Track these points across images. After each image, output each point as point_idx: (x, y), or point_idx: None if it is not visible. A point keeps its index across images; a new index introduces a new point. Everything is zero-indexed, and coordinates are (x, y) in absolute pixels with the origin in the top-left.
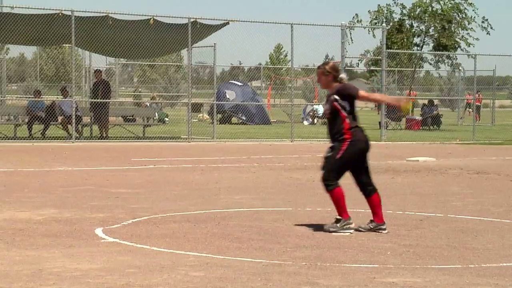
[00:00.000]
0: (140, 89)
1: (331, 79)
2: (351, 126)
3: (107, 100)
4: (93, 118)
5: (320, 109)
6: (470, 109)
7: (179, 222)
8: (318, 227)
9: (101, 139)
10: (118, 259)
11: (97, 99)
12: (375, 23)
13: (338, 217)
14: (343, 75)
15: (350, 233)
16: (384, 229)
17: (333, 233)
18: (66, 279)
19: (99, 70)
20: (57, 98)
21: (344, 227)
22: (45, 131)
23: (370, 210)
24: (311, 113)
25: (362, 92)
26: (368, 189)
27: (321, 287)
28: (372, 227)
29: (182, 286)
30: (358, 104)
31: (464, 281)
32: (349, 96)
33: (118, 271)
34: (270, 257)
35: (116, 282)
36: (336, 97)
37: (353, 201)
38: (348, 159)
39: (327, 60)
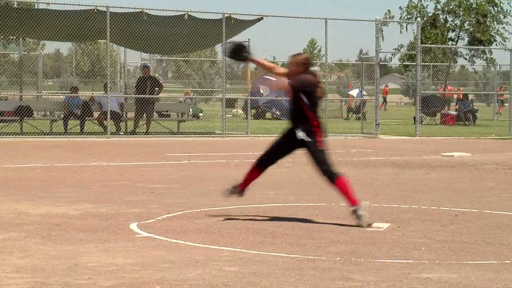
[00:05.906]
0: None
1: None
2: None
3: (153, 96)
4: (137, 113)
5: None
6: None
7: (213, 217)
8: (352, 223)
9: (145, 134)
10: (153, 254)
11: (145, 94)
12: (408, 18)
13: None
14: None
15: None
16: None
17: (366, 228)
18: (102, 273)
19: (147, 65)
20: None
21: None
22: (82, 127)
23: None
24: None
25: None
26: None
27: (355, 282)
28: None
29: (217, 281)
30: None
31: (499, 277)
32: None
33: (153, 266)
34: (304, 252)
35: (151, 276)
36: None
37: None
38: None
39: (361, 54)
